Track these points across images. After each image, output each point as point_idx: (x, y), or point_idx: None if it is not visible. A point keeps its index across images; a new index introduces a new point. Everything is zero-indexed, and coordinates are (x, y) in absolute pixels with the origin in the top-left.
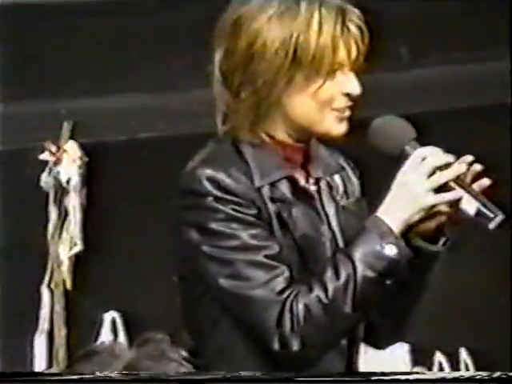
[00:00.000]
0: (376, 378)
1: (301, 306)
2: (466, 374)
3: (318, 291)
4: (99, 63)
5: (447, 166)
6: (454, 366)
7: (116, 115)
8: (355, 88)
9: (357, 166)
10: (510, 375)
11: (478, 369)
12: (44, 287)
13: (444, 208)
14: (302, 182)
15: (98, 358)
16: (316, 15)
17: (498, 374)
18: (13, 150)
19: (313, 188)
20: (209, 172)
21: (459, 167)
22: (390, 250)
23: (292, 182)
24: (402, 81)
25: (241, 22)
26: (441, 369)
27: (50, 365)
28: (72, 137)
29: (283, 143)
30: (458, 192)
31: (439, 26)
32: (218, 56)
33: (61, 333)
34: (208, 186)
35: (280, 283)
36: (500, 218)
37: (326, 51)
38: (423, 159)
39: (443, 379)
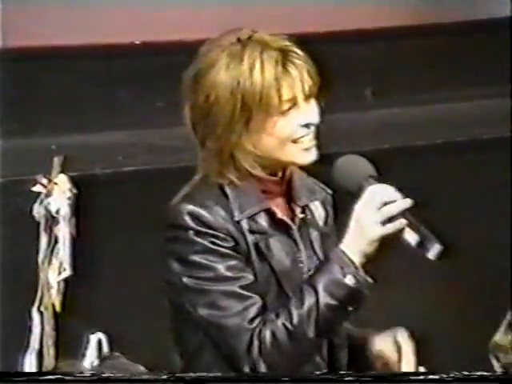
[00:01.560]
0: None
1: (268, 333)
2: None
3: (283, 319)
4: (87, 103)
5: (395, 201)
6: None
7: (103, 150)
8: (312, 118)
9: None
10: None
11: None
12: (34, 310)
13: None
14: (279, 214)
15: None
16: (258, 61)
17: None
18: (7, 182)
19: (300, 216)
20: (190, 207)
21: (405, 202)
22: (350, 280)
23: (270, 214)
24: (365, 120)
25: (198, 76)
26: None
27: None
28: (62, 170)
29: (260, 177)
30: (400, 223)
31: (403, 69)
32: (186, 109)
33: (50, 352)
34: (189, 220)
35: (252, 312)
36: (438, 248)
37: (270, 92)
38: (374, 195)
39: (441, 379)
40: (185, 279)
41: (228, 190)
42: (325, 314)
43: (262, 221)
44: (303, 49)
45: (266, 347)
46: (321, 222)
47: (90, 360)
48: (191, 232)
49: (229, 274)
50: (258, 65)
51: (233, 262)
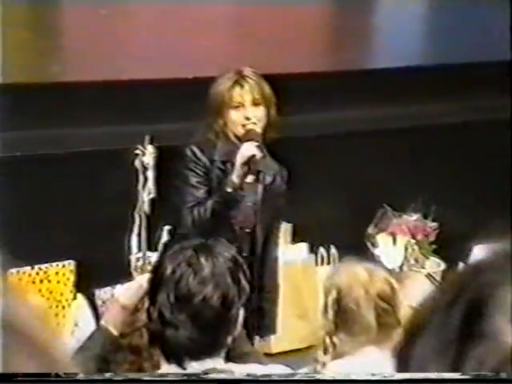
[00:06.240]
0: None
1: (194, 211)
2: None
3: (199, 206)
4: (165, 111)
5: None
6: (328, 256)
7: (171, 133)
8: (249, 115)
9: None
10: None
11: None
12: (136, 213)
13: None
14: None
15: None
16: (227, 80)
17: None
18: (122, 149)
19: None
20: (193, 147)
21: (250, 153)
22: (229, 189)
23: (232, 162)
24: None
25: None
26: (322, 258)
27: (139, 249)
28: (150, 142)
29: (233, 142)
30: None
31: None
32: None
33: (144, 235)
34: (189, 153)
35: (194, 201)
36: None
37: (225, 95)
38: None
39: (437, 380)
40: (177, 182)
41: (218, 145)
42: (216, 205)
43: (228, 165)
44: (261, 79)
45: (195, 218)
46: (267, 182)
47: (162, 244)
48: (188, 158)
49: (196, 184)
50: (225, 82)
51: (200, 179)
